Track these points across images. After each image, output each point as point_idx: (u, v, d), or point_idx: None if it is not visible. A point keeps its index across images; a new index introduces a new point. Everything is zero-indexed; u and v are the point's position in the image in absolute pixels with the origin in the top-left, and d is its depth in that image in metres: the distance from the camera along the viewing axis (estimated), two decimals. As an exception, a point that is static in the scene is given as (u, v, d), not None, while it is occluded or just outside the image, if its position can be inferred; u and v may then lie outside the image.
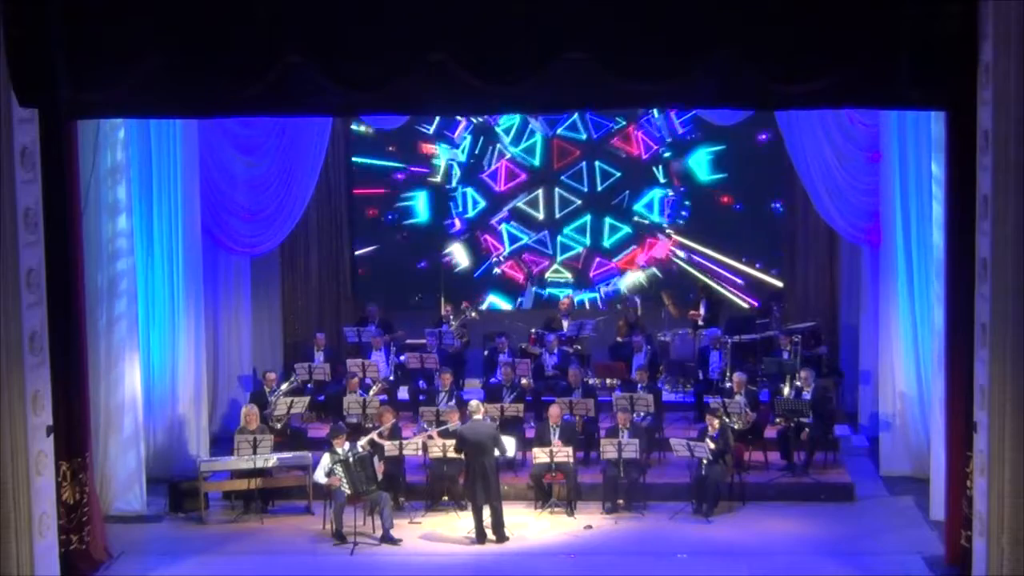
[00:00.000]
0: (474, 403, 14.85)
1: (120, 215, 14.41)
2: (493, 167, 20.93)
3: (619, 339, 19.25)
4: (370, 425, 15.65)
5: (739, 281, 20.77)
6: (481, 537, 14.00)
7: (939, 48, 11.43)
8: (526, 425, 16.49)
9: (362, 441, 14.63)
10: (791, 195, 19.69)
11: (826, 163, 16.55)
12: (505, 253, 21.07)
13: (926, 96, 12.08)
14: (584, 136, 20.84)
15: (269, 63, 11.90)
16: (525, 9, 11.69)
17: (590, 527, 14.47)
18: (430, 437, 15.07)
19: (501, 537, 14.01)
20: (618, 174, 20.88)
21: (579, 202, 20.97)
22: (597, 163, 20.88)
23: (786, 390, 16.10)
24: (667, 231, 20.84)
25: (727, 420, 15.26)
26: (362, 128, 20.48)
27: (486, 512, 14.00)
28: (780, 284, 20.46)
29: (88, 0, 11.91)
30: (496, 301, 21.28)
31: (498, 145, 20.87)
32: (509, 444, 14.69)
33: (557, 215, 21.04)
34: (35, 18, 11.69)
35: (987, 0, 11.18)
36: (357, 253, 20.90)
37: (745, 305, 20.60)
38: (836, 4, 11.56)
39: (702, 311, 19.31)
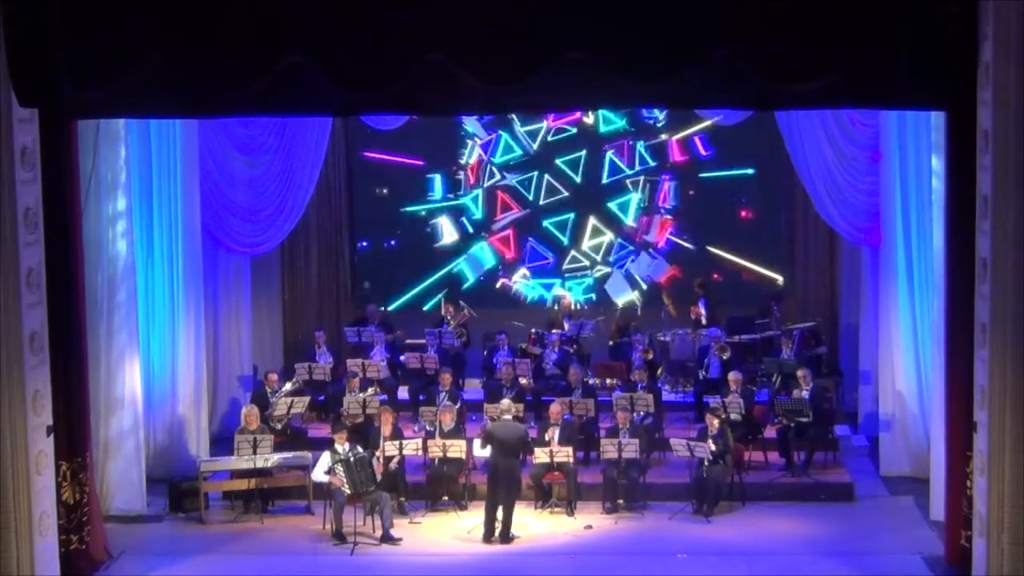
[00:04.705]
0: (505, 402, 14.86)
1: (120, 215, 14.41)
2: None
3: (611, 342, 19.27)
4: (360, 421, 15.77)
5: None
6: (488, 536, 13.98)
7: (939, 48, 11.40)
8: (526, 425, 16.46)
9: (378, 452, 14.63)
10: (791, 195, 19.70)
11: (826, 163, 16.56)
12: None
13: (926, 96, 12.07)
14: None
15: (269, 63, 11.87)
16: (525, 9, 11.67)
17: (590, 527, 14.47)
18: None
19: (506, 539, 14.00)
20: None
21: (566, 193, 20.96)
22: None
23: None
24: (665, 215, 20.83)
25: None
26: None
27: (500, 512, 13.98)
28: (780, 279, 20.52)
29: (88, 0, 11.92)
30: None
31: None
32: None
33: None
34: (35, 18, 11.66)
35: (987, 0, 11.18)
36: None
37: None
38: (836, 4, 11.55)
39: (702, 309, 19.30)
